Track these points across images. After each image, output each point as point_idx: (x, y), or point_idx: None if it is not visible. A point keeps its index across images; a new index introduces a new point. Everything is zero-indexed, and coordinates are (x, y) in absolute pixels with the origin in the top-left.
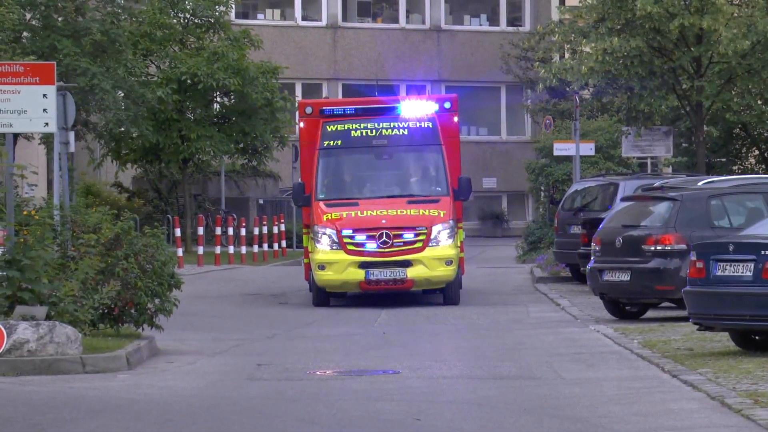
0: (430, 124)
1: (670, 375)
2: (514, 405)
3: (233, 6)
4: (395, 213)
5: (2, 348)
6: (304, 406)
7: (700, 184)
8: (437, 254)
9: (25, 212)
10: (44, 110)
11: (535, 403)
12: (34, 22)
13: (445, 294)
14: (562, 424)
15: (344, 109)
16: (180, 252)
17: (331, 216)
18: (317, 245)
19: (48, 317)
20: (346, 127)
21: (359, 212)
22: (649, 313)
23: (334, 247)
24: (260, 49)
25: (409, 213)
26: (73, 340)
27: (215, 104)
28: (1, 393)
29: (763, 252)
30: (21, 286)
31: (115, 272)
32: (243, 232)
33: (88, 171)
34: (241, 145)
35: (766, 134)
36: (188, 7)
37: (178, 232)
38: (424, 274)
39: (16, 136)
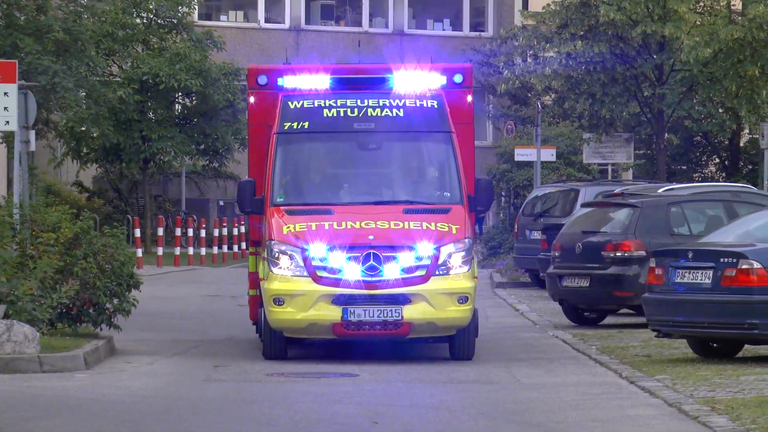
0: (435, 104)
1: (627, 381)
2: (472, 409)
3: (196, 7)
4: (387, 226)
5: None
6: (261, 408)
7: (660, 191)
8: (447, 287)
9: None
10: (5, 108)
11: (493, 407)
12: None
13: (455, 344)
14: (519, 428)
15: (314, 79)
16: (139, 252)
17: (294, 228)
18: (273, 269)
19: (6, 316)
20: (316, 104)
21: (335, 224)
22: (608, 320)
23: (298, 273)
24: (223, 51)
25: (407, 227)
26: (31, 339)
27: (177, 105)
28: None
29: (722, 260)
30: None
31: (73, 271)
32: (203, 233)
33: (48, 170)
34: (203, 147)
35: (726, 143)
36: (151, 7)
37: (137, 232)
38: (427, 315)
39: None
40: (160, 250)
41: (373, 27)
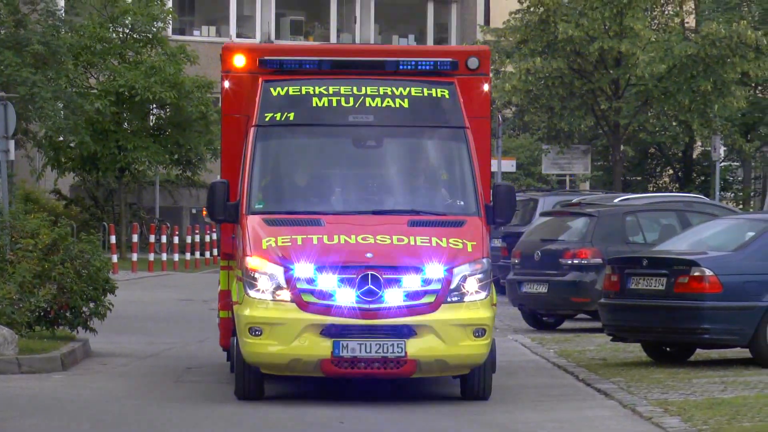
0: (446, 92)
1: (584, 383)
2: (433, 411)
3: (170, 22)
4: (389, 242)
5: None
6: (231, 409)
7: (616, 201)
8: (460, 317)
9: None
10: None
11: (454, 408)
12: None
13: (468, 382)
14: (481, 429)
15: (301, 61)
16: (115, 258)
17: (276, 242)
18: (249, 292)
19: None
20: (304, 92)
21: (326, 237)
22: (566, 324)
23: (280, 297)
24: (196, 65)
25: (413, 243)
26: (10, 341)
27: (151, 116)
28: None
29: (675, 267)
30: None
31: (51, 276)
32: (176, 240)
33: (27, 178)
34: (176, 157)
35: (680, 154)
36: (127, 22)
37: (113, 239)
38: (436, 351)
39: None
40: (134, 256)
41: (341, 42)
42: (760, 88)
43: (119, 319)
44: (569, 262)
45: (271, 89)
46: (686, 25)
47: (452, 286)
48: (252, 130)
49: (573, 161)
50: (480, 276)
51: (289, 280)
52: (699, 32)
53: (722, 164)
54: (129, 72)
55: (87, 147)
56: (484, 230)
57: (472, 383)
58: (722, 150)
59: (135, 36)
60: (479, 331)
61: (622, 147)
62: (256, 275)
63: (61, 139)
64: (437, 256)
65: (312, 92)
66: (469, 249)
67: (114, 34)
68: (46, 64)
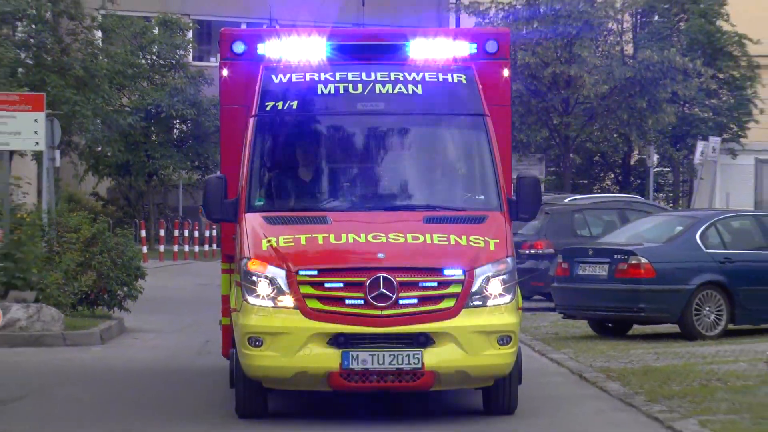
0: (464, 78)
1: (539, 354)
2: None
3: (191, 50)
4: (403, 240)
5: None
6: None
7: (566, 200)
8: (483, 323)
9: (18, 215)
10: (35, 132)
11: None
12: (28, 60)
13: (491, 395)
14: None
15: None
16: (144, 249)
17: (277, 242)
18: (248, 298)
19: (36, 300)
20: (308, 78)
21: (332, 236)
22: (524, 305)
23: (283, 303)
24: (212, 86)
25: (429, 241)
26: (57, 320)
27: (175, 130)
28: None
29: (615, 256)
30: (15, 275)
31: (91, 265)
32: (196, 234)
33: (71, 182)
34: (196, 163)
35: (620, 161)
36: (154, 50)
37: (143, 233)
38: (456, 361)
39: (11, 152)
40: (161, 248)
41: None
42: (687, 105)
43: (148, 300)
44: (526, 252)
45: (273, 76)
46: (625, 52)
47: (474, 289)
48: (252, 121)
49: (530, 167)
50: (504, 277)
51: (292, 285)
52: (636, 58)
53: (655, 170)
54: (156, 92)
55: (119, 156)
56: (507, 226)
57: (497, 396)
58: (655, 157)
59: (161, 62)
60: (504, 339)
61: (571, 155)
62: (256, 279)
63: (99, 149)
64: (456, 255)
65: (317, 79)
66: (492, 247)
67: (143, 61)
68: (86, 86)
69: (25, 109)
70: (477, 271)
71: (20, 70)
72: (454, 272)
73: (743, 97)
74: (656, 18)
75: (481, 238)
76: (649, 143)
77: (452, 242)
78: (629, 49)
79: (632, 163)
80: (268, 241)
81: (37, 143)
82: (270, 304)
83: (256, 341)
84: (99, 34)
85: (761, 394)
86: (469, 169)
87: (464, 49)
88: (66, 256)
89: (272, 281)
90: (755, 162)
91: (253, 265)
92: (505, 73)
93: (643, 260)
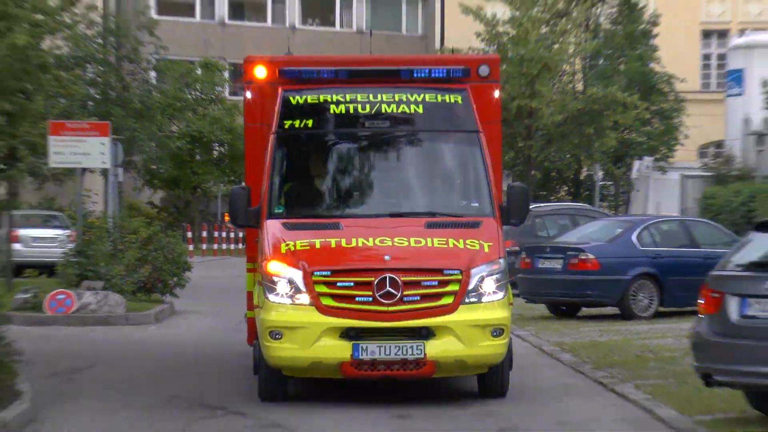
0: (460, 98)
1: None
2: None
3: (227, 87)
4: (407, 244)
5: (74, 308)
6: None
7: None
8: (479, 318)
9: (89, 220)
10: (102, 153)
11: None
12: (96, 96)
13: (485, 380)
14: None
15: (319, 70)
16: (190, 247)
17: (295, 246)
18: (269, 296)
19: (104, 288)
20: (321, 99)
21: (344, 241)
22: None
23: (299, 301)
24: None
25: (430, 244)
26: (120, 304)
27: (215, 151)
28: (73, 338)
29: (568, 252)
30: (86, 268)
31: (148, 259)
32: (232, 235)
33: (131, 194)
34: (232, 178)
35: (572, 176)
36: (197, 87)
37: (189, 234)
38: (455, 352)
39: (83, 169)
40: (204, 246)
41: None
42: (625, 131)
43: (193, 288)
44: None
45: (290, 98)
46: (576, 89)
47: (470, 287)
48: (272, 138)
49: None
50: (497, 276)
51: (308, 284)
52: (585, 93)
53: (600, 183)
54: (199, 121)
55: (171, 172)
56: (499, 231)
57: (491, 381)
58: (600, 173)
59: (203, 97)
60: (497, 331)
61: (533, 172)
62: (276, 279)
63: (154, 167)
64: (454, 257)
65: (329, 100)
66: (486, 250)
67: (188, 96)
68: (143, 116)
69: (93, 134)
70: (473, 271)
71: (90, 103)
72: (453, 272)
73: (671, 126)
74: (601, 61)
75: (476, 241)
76: (595, 162)
77: (450, 245)
78: (580, 86)
79: (582, 178)
80: (287, 245)
81: (103, 162)
82: (288, 301)
83: (276, 334)
84: (153, 74)
85: (684, 363)
86: (465, 180)
87: (460, 72)
88: (127, 252)
89: (290, 281)
90: (680, 177)
91: (274, 267)
92: (496, 93)
93: (590, 256)
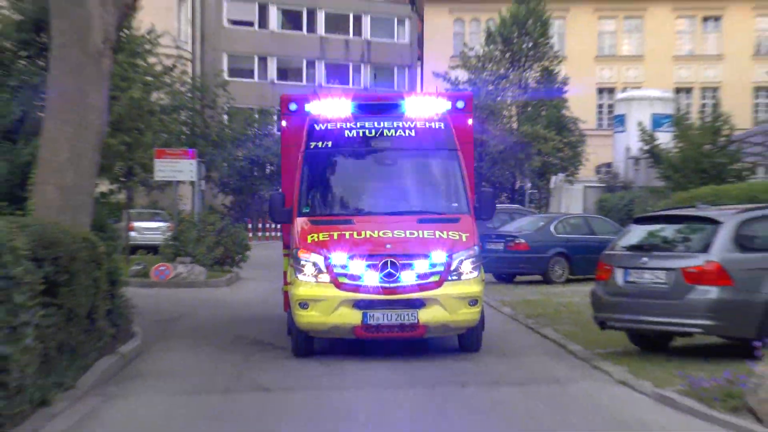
0: (442, 125)
1: None
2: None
3: (276, 125)
4: (403, 235)
5: (171, 276)
6: None
7: None
8: (459, 292)
9: (182, 216)
10: (190, 170)
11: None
12: (186, 131)
13: (464, 339)
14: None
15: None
16: (250, 235)
17: (318, 237)
18: (298, 276)
19: (191, 262)
20: (338, 126)
21: (355, 233)
22: None
23: (321, 279)
24: None
25: (421, 236)
26: (202, 273)
27: (267, 169)
28: (170, 296)
29: (507, 238)
30: (180, 249)
31: (221, 243)
32: (277, 226)
33: (210, 198)
34: (278, 187)
35: (510, 187)
36: (255, 125)
37: (249, 225)
38: (441, 318)
39: (178, 182)
40: (259, 234)
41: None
42: (546, 156)
43: (252, 263)
44: None
45: (315, 125)
46: (513, 127)
47: (452, 268)
48: (301, 155)
49: None
50: (473, 259)
51: (328, 266)
52: (518, 130)
53: (529, 191)
54: (257, 149)
55: (237, 184)
56: (474, 225)
57: (468, 340)
58: (529, 185)
59: (259, 132)
60: (473, 302)
61: (483, 184)
62: (303, 263)
63: (225, 179)
64: (440, 245)
65: (344, 126)
66: (464, 239)
67: (250, 132)
68: (218, 146)
69: (185, 158)
70: (454, 255)
71: (182, 137)
72: (439, 257)
73: (576, 152)
74: (529, 108)
75: (456, 232)
76: (526, 177)
77: (437, 236)
78: (515, 125)
79: (516, 188)
80: (312, 236)
81: (191, 177)
82: (313, 280)
83: (304, 305)
84: (225, 117)
85: (587, 315)
86: (447, 186)
87: (442, 105)
88: (207, 238)
89: (314, 264)
90: (583, 188)
91: (302, 253)
92: (469, 121)
93: (522, 240)
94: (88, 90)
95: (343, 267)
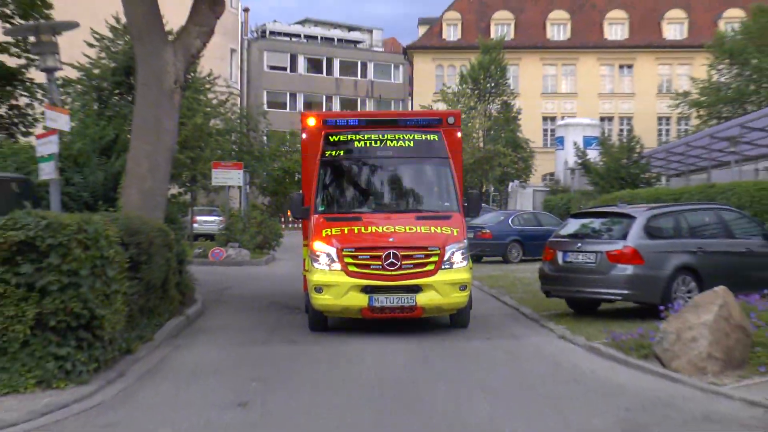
0: (436, 137)
1: None
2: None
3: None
4: (404, 230)
5: (223, 257)
6: None
7: None
8: (451, 279)
9: (231, 212)
10: (239, 178)
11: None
12: (234, 148)
13: (454, 318)
14: None
15: (347, 120)
16: (283, 226)
17: (331, 232)
18: (314, 264)
19: (239, 246)
20: (348, 138)
21: (363, 228)
22: None
23: (334, 267)
24: None
25: (419, 230)
26: (247, 254)
27: (296, 176)
28: (222, 273)
29: (475, 228)
30: (229, 237)
31: (261, 232)
32: None
33: (253, 198)
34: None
35: (477, 191)
36: (287, 144)
37: (282, 219)
38: (435, 301)
39: (229, 186)
40: (290, 225)
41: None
42: (505, 168)
43: (284, 247)
44: None
45: (330, 137)
46: (480, 145)
47: (445, 258)
48: (317, 162)
49: None
50: (462, 251)
51: (339, 257)
52: (484, 148)
53: (492, 194)
54: (288, 162)
55: (274, 188)
56: (463, 221)
57: (458, 318)
58: (492, 188)
59: (290, 149)
60: (463, 287)
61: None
62: (318, 253)
63: (265, 185)
64: (435, 239)
65: (354, 138)
66: (455, 234)
67: (283, 149)
68: (259, 160)
69: (235, 169)
70: (447, 248)
71: (233, 153)
72: (434, 249)
73: (528, 165)
74: (492, 132)
75: (449, 228)
76: (490, 183)
77: (432, 231)
78: (481, 144)
79: (483, 191)
80: (326, 231)
81: (239, 183)
82: (327, 268)
83: (319, 289)
84: (265, 138)
85: (536, 286)
86: (440, 188)
87: (436, 121)
88: (250, 228)
89: (328, 255)
90: (533, 191)
91: (317, 245)
92: (459, 134)
93: (487, 230)
94: (163, 118)
95: (353, 257)
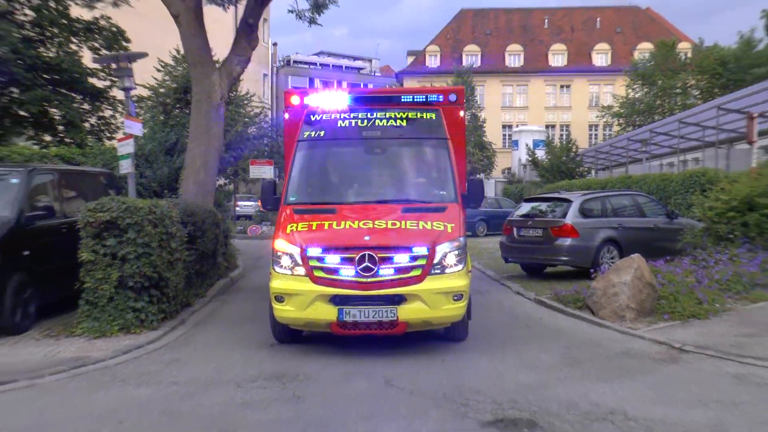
0: (434, 116)
1: None
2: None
3: None
4: (384, 225)
5: (259, 232)
6: None
7: None
8: (442, 286)
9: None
10: (270, 172)
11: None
12: (267, 149)
13: (449, 330)
14: None
15: (335, 97)
16: None
17: (296, 227)
18: (275, 268)
19: (271, 225)
20: (333, 117)
21: (335, 223)
22: None
23: (297, 272)
24: None
25: (404, 226)
26: (271, 231)
27: None
28: (258, 245)
29: None
30: (263, 217)
31: None
32: None
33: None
34: None
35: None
36: None
37: None
38: (422, 314)
39: (263, 178)
40: None
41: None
42: (474, 164)
43: None
44: None
45: (311, 116)
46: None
47: (435, 261)
48: (295, 144)
49: None
50: (457, 252)
51: (304, 259)
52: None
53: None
54: None
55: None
56: (461, 214)
57: (453, 332)
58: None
59: None
60: (457, 296)
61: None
62: (280, 254)
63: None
64: (423, 236)
65: (338, 117)
66: (449, 230)
67: None
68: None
69: (267, 164)
70: (438, 248)
71: (265, 153)
72: (421, 249)
73: (491, 162)
74: None
75: (441, 223)
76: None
77: (420, 227)
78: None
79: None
80: (291, 226)
81: (271, 175)
82: (289, 272)
83: (279, 299)
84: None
85: (497, 255)
86: (435, 174)
87: (435, 97)
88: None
89: (291, 256)
90: (494, 182)
91: (279, 244)
92: (461, 114)
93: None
94: (212, 126)
95: (319, 260)
